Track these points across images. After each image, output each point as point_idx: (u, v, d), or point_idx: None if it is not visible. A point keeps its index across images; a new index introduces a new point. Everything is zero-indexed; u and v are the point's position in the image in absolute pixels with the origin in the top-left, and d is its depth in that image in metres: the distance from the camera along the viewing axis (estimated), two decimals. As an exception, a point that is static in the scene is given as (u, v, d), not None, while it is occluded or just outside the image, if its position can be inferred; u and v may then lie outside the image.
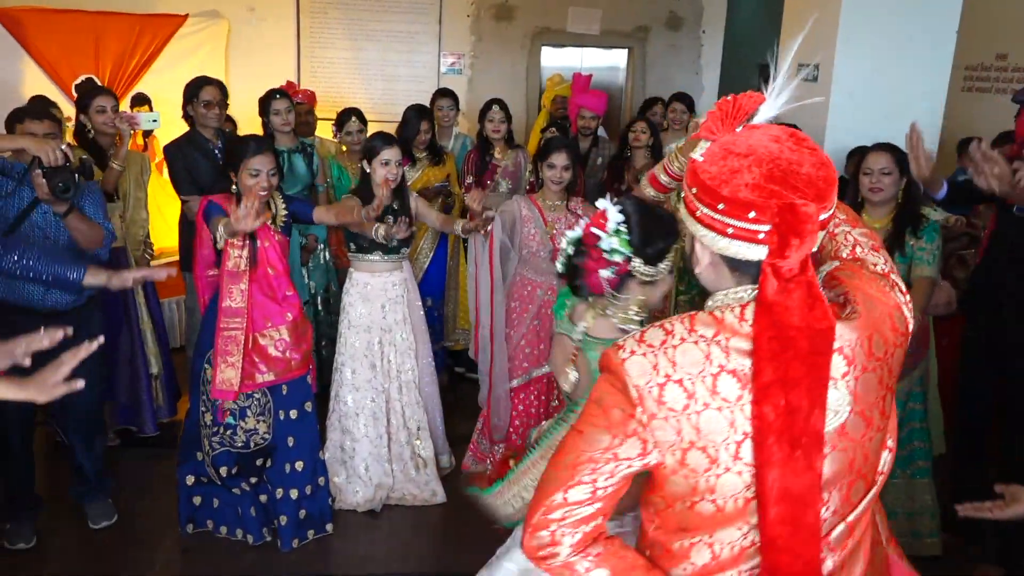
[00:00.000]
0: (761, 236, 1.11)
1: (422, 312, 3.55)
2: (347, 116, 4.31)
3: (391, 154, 3.22)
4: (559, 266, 1.92)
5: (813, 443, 1.11)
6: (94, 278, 2.46)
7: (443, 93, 4.73)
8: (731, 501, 1.16)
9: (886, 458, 1.27)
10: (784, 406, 1.09)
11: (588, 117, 4.90)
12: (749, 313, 1.14)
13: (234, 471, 3.03)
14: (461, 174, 4.48)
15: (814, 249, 1.14)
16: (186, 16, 6.06)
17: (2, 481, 3.05)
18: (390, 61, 6.81)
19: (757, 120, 1.22)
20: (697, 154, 1.19)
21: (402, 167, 3.31)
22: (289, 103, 4.04)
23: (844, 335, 1.15)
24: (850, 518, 1.22)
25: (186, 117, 3.82)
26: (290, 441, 3.04)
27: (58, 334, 1.71)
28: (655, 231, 1.82)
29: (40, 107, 3.65)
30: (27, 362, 1.69)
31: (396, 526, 3.29)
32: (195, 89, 3.73)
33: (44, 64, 5.64)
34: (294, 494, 3.06)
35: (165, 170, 4.86)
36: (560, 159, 3.31)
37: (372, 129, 4.07)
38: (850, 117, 3.52)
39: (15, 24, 5.56)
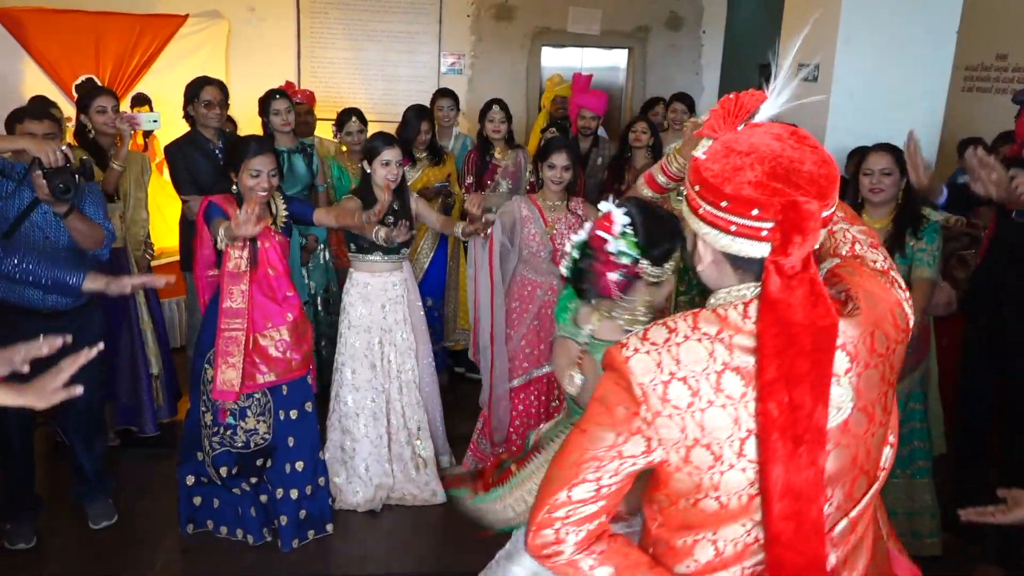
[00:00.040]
0: (764, 233, 1.12)
1: (422, 312, 3.55)
2: (347, 116, 4.32)
3: (392, 155, 3.22)
4: (564, 270, 1.90)
5: (815, 439, 1.11)
6: (93, 283, 2.46)
7: (443, 93, 4.73)
8: (735, 498, 1.16)
9: (888, 454, 1.27)
10: (788, 403, 1.10)
11: (588, 117, 4.91)
12: (752, 310, 1.15)
13: (234, 471, 3.03)
14: (461, 174, 4.48)
15: (816, 247, 1.15)
16: (186, 16, 6.06)
17: (2, 481, 3.05)
18: (390, 61, 6.81)
19: (758, 119, 1.22)
20: (699, 152, 1.20)
21: (402, 167, 3.31)
22: (289, 103, 4.04)
23: (847, 331, 1.16)
24: (852, 513, 1.23)
25: (187, 117, 3.82)
26: (290, 441, 3.04)
27: (57, 342, 1.71)
28: (660, 232, 1.82)
29: (40, 107, 3.65)
30: (25, 369, 1.68)
31: (396, 526, 3.29)
32: (196, 89, 3.73)
33: (44, 64, 5.64)
34: (294, 494, 3.06)
35: (165, 170, 4.88)
36: (560, 159, 3.32)
37: (372, 129, 4.07)
38: (850, 117, 3.52)
39: (15, 24, 5.56)
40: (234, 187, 2.91)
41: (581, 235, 1.85)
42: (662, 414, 1.13)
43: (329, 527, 3.18)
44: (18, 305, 2.78)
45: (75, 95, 5.25)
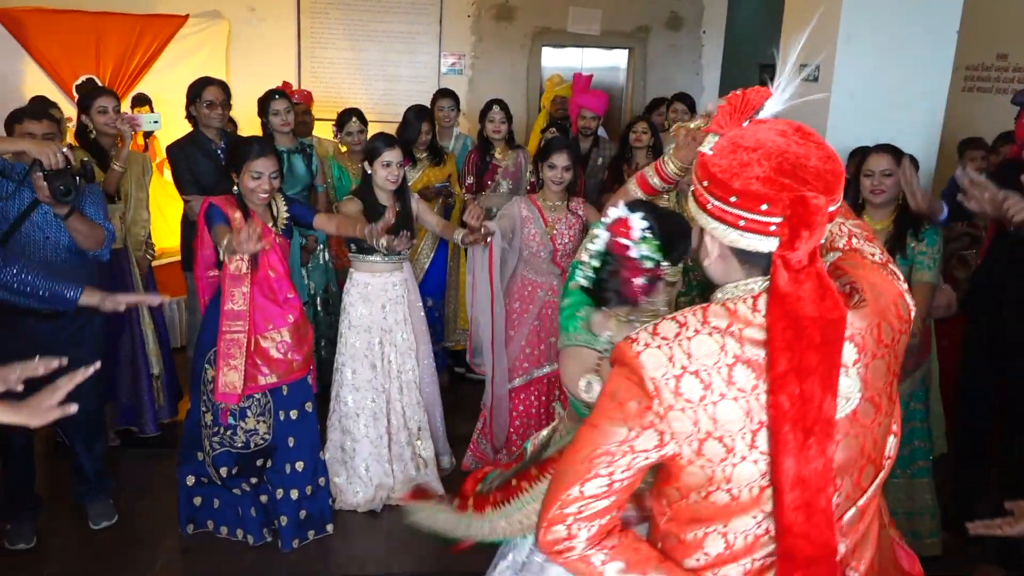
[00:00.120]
0: (772, 228, 1.13)
1: (422, 312, 3.55)
2: (347, 116, 4.32)
3: (392, 155, 3.22)
4: (584, 280, 1.86)
5: (825, 431, 1.13)
6: (89, 298, 2.46)
7: (444, 93, 4.73)
8: (746, 490, 1.17)
9: (892, 443, 1.29)
10: (799, 395, 1.11)
11: (589, 117, 4.91)
12: (762, 303, 1.16)
13: (234, 471, 3.03)
14: (462, 174, 4.48)
15: (822, 241, 1.17)
16: (187, 16, 6.06)
17: (2, 481, 3.05)
18: (391, 61, 6.81)
19: (761, 116, 1.24)
20: (706, 148, 1.21)
21: (403, 168, 3.31)
22: (288, 103, 4.04)
23: (854, 323, 1.18)
24: (861, 502, 1.25)
25: (189, 117, 3.82)
26: (290, 441, 3.04)
27: (53, 363, 1.71)
28: (675, 231, 1.82)
29: (39, 107, 3.65)
30: (20, 388, 1.68)
31: (396, 526, 3.28)
32: (198, 89, 3.73)
33: (45, 64, 5.64)
34: (294, 494, 3.06)
35: (166, 170, 4.88)
36: (561, 159, 3.32)
37: (372, 130, 4.08)
38: (850, 117, 3.52)
39: (16, 24, 5.56)
40: (235, 188, 2.91)
41: (598, 244, 1.82)
42: (674, 408, 1.14)
43: (329, 527, 3.18)
44: (18, 305, 2.78)
45: (75, 95, 5.25)
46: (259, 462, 3.05)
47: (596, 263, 1.83)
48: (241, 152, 2.88)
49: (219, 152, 3.73)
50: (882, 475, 1.28)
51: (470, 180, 4.43)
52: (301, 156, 4.11)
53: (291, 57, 6.64)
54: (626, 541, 1.26)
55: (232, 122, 4.65)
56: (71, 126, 4.13)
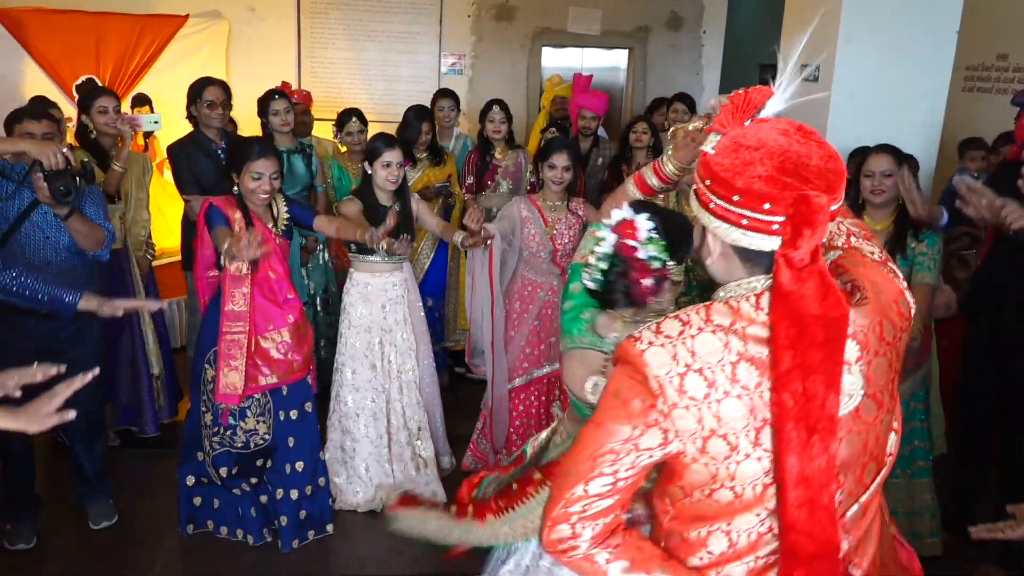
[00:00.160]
0: (775, 227, 1.14)
1: (422, 312, 3.55)
2: (347, 116, 4.32)
3: (393, 156, 3.23)
4: (592, 284, 1.84)
5: (828, 428, 1.13)
6: (87, 304, 2.47)
7: (444, 93, 4.73)
8: (750, 488, 1.17)
9: (893, 439, 1.30)
10: (802, 393, 1.12)
11: (589, 117, 4.91)
12: (764, 301, 1.17)
13: (234, 471, 3.03)
14: (462, 174, 4.48)
15: (824, 240, 1.17)
16: (187, 16, 6.06)
17: (2, 481, 3.05)
18: (391, 61, 6.81)
19: (763, 115, 1.24)
20: (708, 147, 1.21)
21: (403, 169, 3.31)
22: (288, 103, 4.04)
23: (857, 320, 1.18)
24: (863, 498, 1.26)
25: (190, 117, 3.82)
26: (290, 441, 3.04)
27: (51, 370, 1.70)
28: (678, 231, 1.82)
29: (38, 107, 3.65)
30: (18, 394, 1.67)
31: (396, 526, 3.28)
32: (199, 89, 3.74)
33: (45, 64, 5.63)
34: (294, 494, 3.06)
35: (166, 170, 4.88)
36: (561, 160, 3.32)
37: (372, 129, 4.08)
38: (850, 117, 3.52)
39: (16, 24, 5.56)
40: (235, 188, 2.91)
41: (604, 247, 1.81)
42: (679, 406, 1.14)
43: (329, 527, 3.18)
44: (18, 305, 2.78)
45: (75, 95, 5.25)
46: (259, 462, 3.05)
47: (603, 265, 1.81)
48: (242, 153, 2.88)
49: (220, 152, 3.73)
50: (884, 472, 1.28)
51: (470, 180, 4.43)
52: (301, 156, 4.11)
53: (291, 57, 6.64)
54: (630, 540, 1.26)
55: (232, 122, 4.65)
56: (71, 126, 4.13)
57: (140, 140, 5.15)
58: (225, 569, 2.98)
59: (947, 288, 3.22)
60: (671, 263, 1.81)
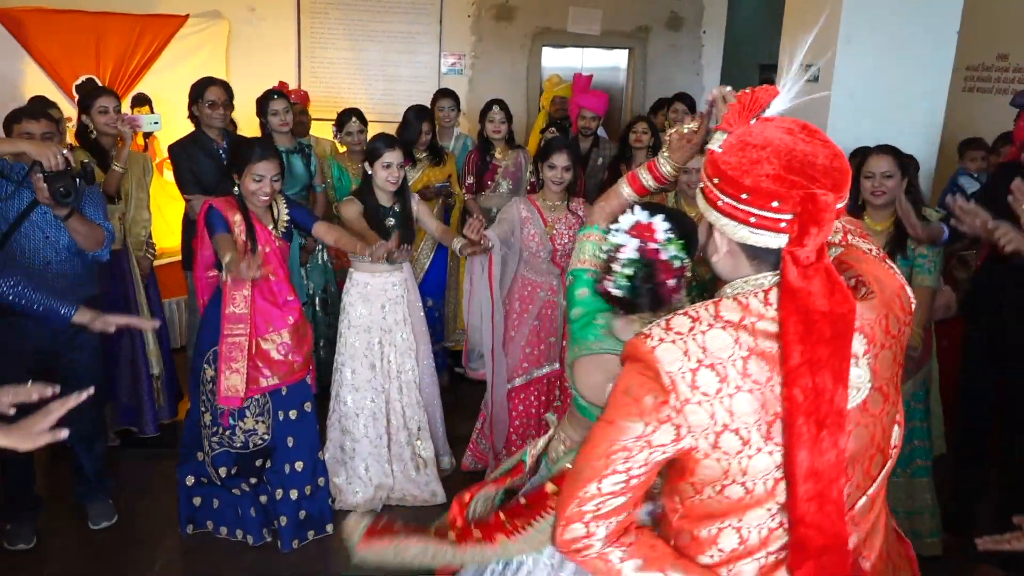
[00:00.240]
0: (783, 225, 1.15)
1: (422, 312, 3.55)
2: (347, 116, 4.31)
3: (393, 157, 3.23)
4: (619, 291, 1.80)
5: (837, 422, 1.15)
6: (81, 317, 2.47)
7: (444, 93, 4.73)
8: (761, 483, 1.18)
9: (897, 432, 1.32)
10: (812, 387, 1.13)
11: (589, 117, 4.91)
12: (773, 297, 1.18)
13: (233, 471, 3.03)
14: (462, 174, 4.48)
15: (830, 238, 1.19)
16: (186, 16, 6.06)
17: (2, 481, 3.05)
18: (391, 61, 6.81)
19: (767, 114, 1.25)
20: (715, 145, 1.22)
21: (404, 169, 3.31)
22: (287, 103, 4.04)
23: (864, 315, 1.20)
24: (871, 491, 1.27)
25: (191, 117, 3.83)
26: (290, 441, 3.04)
27: (47, 391, 1.69)
28: (691, 230, 1.82)
29: (37, 107, 3.64)
30: (11, 411, 1.67)
31: (396, 526, 3.28)
32: (200, 89, 3.74)
33: (45, 64, 5.63)
34: (294, 494, 3.06)
35: (166, 170, 4.88)
36: (561, 160, 3.31)
37: (372, 129, 4.07)
38: (850, 117, 3.52)
39: (16, 24, 5.55)
40: (236, 189, 2.91)
41: (628, 253, 1.79)
42: (691, 401, 1.15)
43: (329, 527, 3.18)
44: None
45: (75, 95, 5.25)
46: (258, 462, 3.05)
47: (629, 271, 1.79)
48: (243, 154, 2.88)
49: (221, 152, 3.73)
50: (889, 464, 1.30)
51: (470, 180, 4.43)
52: (300, 156, 4.11)
53: (291, 57, 6.64)
54: (643, 538, 1.26)
55: (232, 122, 4.65)
56: (71, 126, 4.13)
57: (140, 140, 5.15)
58: (225, 569, 2.98)
59: (947, 289, 3.22)
60: (687, 261, 1.81)
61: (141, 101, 5.56)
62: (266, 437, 3.01)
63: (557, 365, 3.47)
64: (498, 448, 3.48)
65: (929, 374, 3.21)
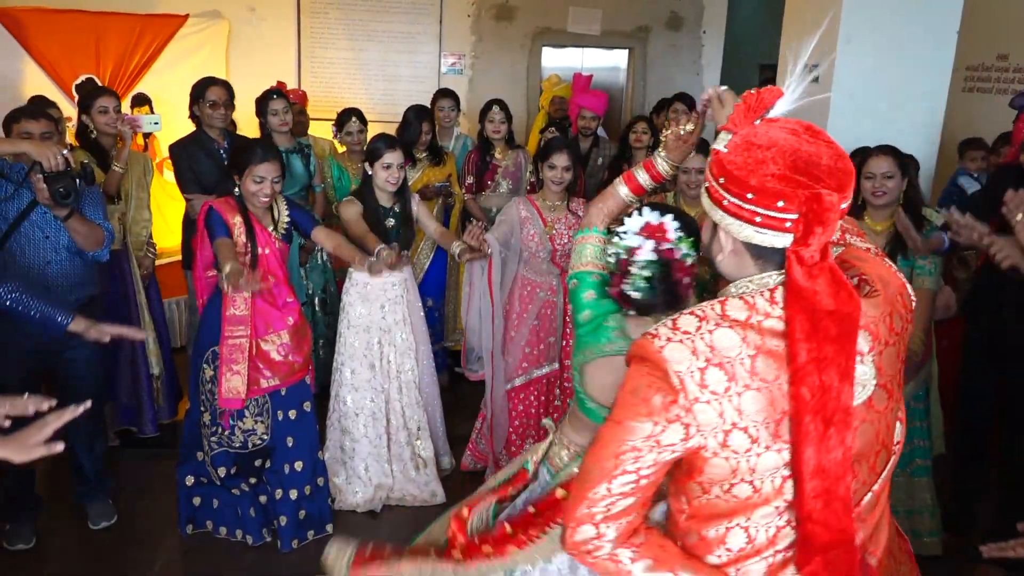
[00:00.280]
0: (788, 224, 1.16)
1: (422, 312, 3.55)
2: (347, 116, 4.31)
3: (393, 157, 3.22)
4: (638, 293, 1.79)
5: (843, 420, 1.16)
6: (77, 326, 2.48)
7: (444, 93, 4.73)
8: (768, 481, 1.19)
9: (899, 428, 1.33)
10: (819, 385, 1.14)
11: (588, 117, 4.91)
12: (779, 296, 1.19)
13: (233, 471, 3.03)
14: (462, 174, 4.48)
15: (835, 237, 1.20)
16: (186, 16, 6.06)
17: (2, 481, 3.05)
18: (391, 61, 6.81)
19: (772, 114, 1.26)
20: (720, 145, 1.23)
21: (404, 170, 3.31)
22: (286, 103, 4.04)
23: (868, 312, 1.21)
24: (875, 487, 1.28)
25: (192, 117, 3.83)
26: (289, 441, 3.04)
27: (43, 405, 1.68)
28: (695, 228, 1.83)
29: (37, 107, 3.65)
30: (6, 424, 1.66)
31: (396, 527, 3.28)
32: (201, 89, 3.75)
33: (45, 64, 5.63)
34: (293, 494, 3.06)
35: (166, 170, 4.88)
36: (561, 160, 3.31)
37: (372, 129, 4.07)
38: (851, 117, 3.52)
39: (15, 24, 5.55)
40: (236, 190, 2.91)
41: (645, 254, 1.79)
42: (700, 400, 1.16)
43: (329, 527, 3.18)
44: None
45: (75, 95, 5.25)
46: (257, 462, 3.05)
47: (647, 273, 1.79)
48: (245, 155, 2.88)
49: (222, 152, 3.74)
50: (893, 460, 1.32)
51: (470, 180, 4.43)
52: (299, 156, 4.11)
53: (291, 57, 6.64)
54: (652, 539, 1.27)
55: (232, 122, 4.65)
56: (71, 126, 4.13)
57: (140, 140, 5.15)
58: (225, 569, 2.98)
59: (947, 289, 3.22)
60: (696, 258, 1.82)
61: (141, 101, 5.56)
62: (265, 437, 3.01)
63: (556, 365, 3.47)
64: (498, 451, 3.48)
65: (929, 374, 3.21)
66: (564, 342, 3.47)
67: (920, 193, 3.05)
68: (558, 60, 7.25)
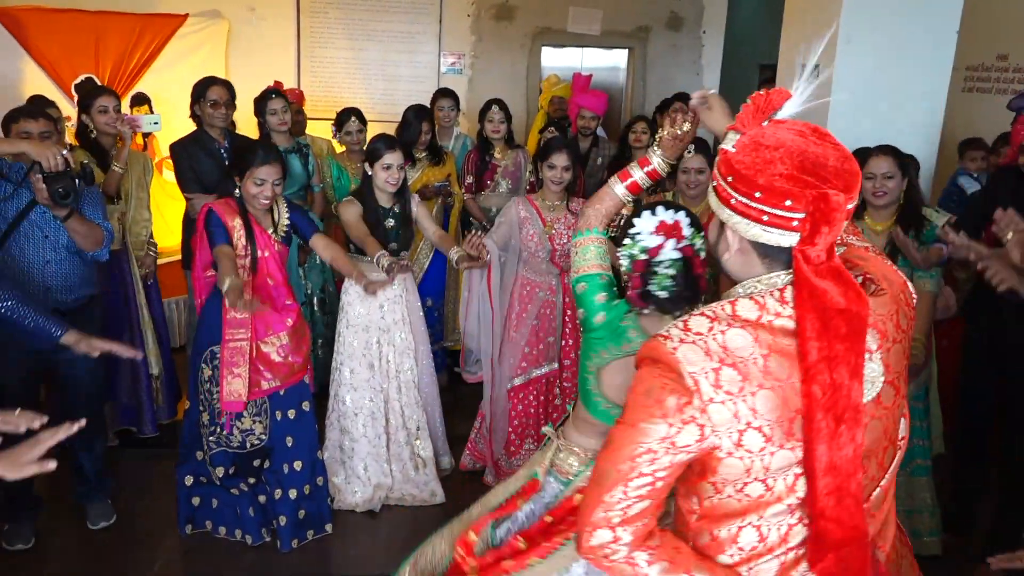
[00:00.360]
0: (795, 224, 1.17)
1: (421, 312, 3.55)
2: (347, 116, 4.30)
3: (393, 158, 3.22)
4: (663, 292, 1.79)
5: (854, 417, 1.17)
6: (69, 338, 2.48)
7: (444, 93, 4.72)
8: (781, 479, 1.19)
9: (903, 424, 1.34)
10: (830, 383, 1.15)
11: (588, 117, 4.91)
12: (788, 295, 1.20)
13: (231, 471, 3.03)
14: (461, 174, 4.47)
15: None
16: (186, 16, 6.06)
17: (1, 482, 3.04)
18: (390, 61, 6.80)
19: (779, 116, 1.27)
20: (728, 145, 1.25)
21: (404, 170, 3.30)
22: (285, 102, 4.04)
23: (877, 310, 1.23)
24: (883, 482, 1.30)
25: (193, 116, 3.83)
26: (288, 441, 3.04)
27: (35, 422, 1.67)
28: (700, 223, 1.84)
29: (36, 106, 3.64)
30: None
31: (395, 526, 3.28)
32: (202, 89, 3.75)
33: (44, 64, 5.63)
34: (293, 494, 3.06)
35: (165, 170, 4.88)
36: (561, 160, 3.31)
37: (372, 129, 4.07)
38: (850, 117, 3.51)
39: (15, 24, 5.55)
40: (237, 191, 2.90)
41: (668, 253, 1.79)
42: (715, 400, 1.16)
43: (328, 527, 3.18)
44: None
45: (74, 95, 5.25)
46: (256, 462, 3.05)
47: (672, 271, 1.80)
48: (246, 157, 2.88)
49: (222, 151, 3.73)
50: (899, 456, 1.33)
51: (469, 180, 4.43)
52: (298, 156, 4.10)
53: (291, 57, 6.64)
54: (667, 541, 1.27)
55: (231, 122, 4.65)
56: (70, 125, 4.13)
57: (139, 139, 5.15)
58: (224, 569, 2.98)
59: (947, 289, 3.22)
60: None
61: (140, 100, 5.56)
62: (263, 437, 3.01)
63: (556, 365, 3.47)
64: (497, 452, 3.48)
65: (929, 374, 3.21)
66: (563, 342, 3.47)
67: (920, 193, 3.05)
68: (558, 60, 7.24)
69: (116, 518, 3.21)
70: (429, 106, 4.55)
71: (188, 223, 3.90)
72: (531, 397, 3.47)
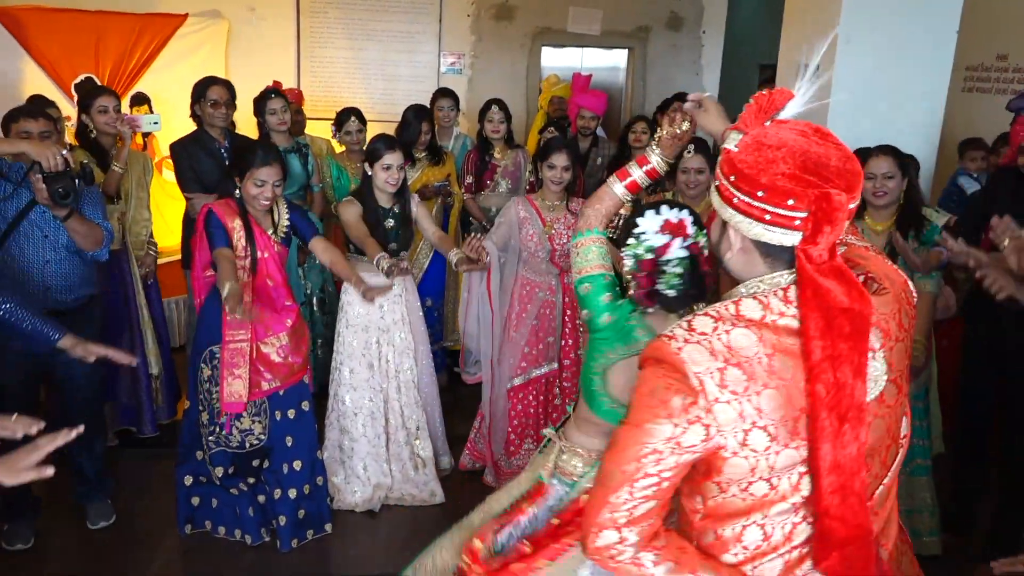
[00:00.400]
0: (797, 223, 1.18)
1: (421, 312, 3.55)
2: (346, 116, 4.30)
3: (393, 158, 3.22)
4: (672, 291, 1.79)
5: (857, 416, 1.17)
6: (66, 342, 2.49)
7: (443, 93, 4.72)
8: (786, 478, 1.20)
9: (905, 422, 1.35)
10: (834, 382, 1.15)
11: (588, 117, 4.91)
12: (792, 294, 1.21)
13: (231, 471, 3.03)
14: (461, 174, 4.47)
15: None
16: (186, 16, 6.06)
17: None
18: (390, 61, 6.80)
19: (781, 116, 1.28)
20: (731, 145, 1.25)
21: (404, 171, 3.30)
22: (284, 102, 4.04)
23: (880, 309, 1.24)
24: (886, 480, 1.31)
25: (194, 116, 3.83)
26: (288, 441, 3.04)
27: (32, 428, 1.67)
28: (701, 220, 1.84)
29: (36, 106, 3.64)
30: None
31: (395, 526, 3.28)
32: (203, 88, 3.74)
33: (44, 64, 5.63)
34: (292, 494, 3.05)
35: (165, 170, 4.88)
36: (560, 160, 3.31)
37: (371, 129, 4.06)
38: (850, 117, 3.51)
39: (15, 24, 5.55)
40: (237, 191, 2.90)
41: (676, 252, 1.80)
42: (720, 400, 1.16)
43: (328, 527, 3.18)
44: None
45: (74, 94, 5.25)
46: (255, 462, 3.05)
47: (680, 270, 1.80)
48: (246, 158, 2.87)
49: (223, 151, 3.73)
50: (902, 453, 1.34)
51: (469, 180, 4.43)
52: (297, 155, 4.10)
53: (290, 57, 6.64)
54: (672, 541, 1.27)
55: (231, 122, 4.64)
56: (70, 125, 4.13)
57: (139, 139, 5.15)
58: (224, 569, 2.98)
59: (947, 289, 3.22)
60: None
61: (140, 100, 5.55)
62: (262, 437, 3.00)
63: (555, 365, 3.47)
64: (497, 453, 3.48)
65: (929, 374, 3.21)
66: (563, 342, 3.47)
67: (920, 193, 3.05)
68: (558, 60, 7.24)
69: (116, 518, 3.21)
70: (429, 106, 4.54)
71: (188, 223, 3.90)
72: (531, 397, 3.47)
